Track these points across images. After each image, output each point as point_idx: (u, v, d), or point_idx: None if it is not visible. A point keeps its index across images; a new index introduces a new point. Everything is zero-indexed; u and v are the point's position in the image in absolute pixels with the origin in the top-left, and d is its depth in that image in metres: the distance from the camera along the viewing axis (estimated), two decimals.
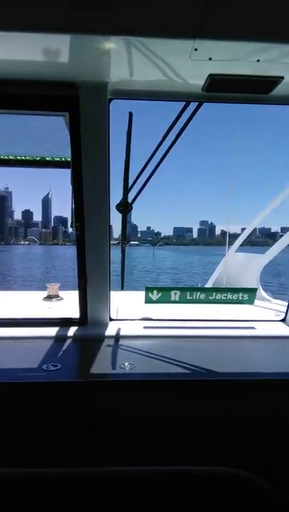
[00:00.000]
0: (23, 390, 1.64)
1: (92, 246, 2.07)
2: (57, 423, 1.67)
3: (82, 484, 0.80)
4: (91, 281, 2.16)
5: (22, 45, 1.44)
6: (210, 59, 1.50)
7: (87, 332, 2.19)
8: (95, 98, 1.78)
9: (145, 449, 1.66)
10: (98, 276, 2.15)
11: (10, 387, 1.62)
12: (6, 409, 1.63)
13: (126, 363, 1.76)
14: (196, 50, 1.43)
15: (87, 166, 1.90)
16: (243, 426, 1.70)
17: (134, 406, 1.68)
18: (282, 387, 1.73)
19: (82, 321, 2.26)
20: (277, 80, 1.66)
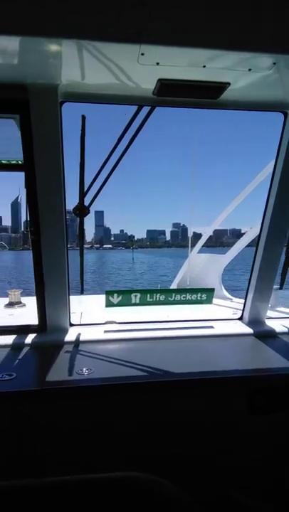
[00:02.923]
0: None
1: (48, 250, 2.03)
2: (11, 433, 1.61)
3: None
4: (49, 287, 2.12)
5: None
6: (157, 64, 1.53)
7: (46, 339, 2.14)
8: (45, 100, 1.76)
9: (103, 455, 1.64)
10: (56, 281, 2.11)
11: None
12: None
13: (84, 369, 1.74)
14: (142, 54, 1.45)
15: (40, 169, 1.87)
16: (204, 422, 1.73)
17: (92, 412, 1.66)
18: (239, 383, 1.77)
19: (41, 328, 2.21)
20: (223, 85, 1.72)
